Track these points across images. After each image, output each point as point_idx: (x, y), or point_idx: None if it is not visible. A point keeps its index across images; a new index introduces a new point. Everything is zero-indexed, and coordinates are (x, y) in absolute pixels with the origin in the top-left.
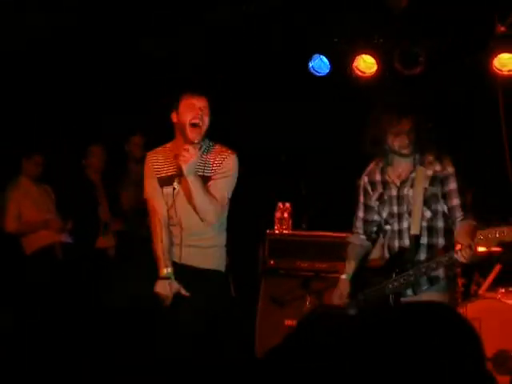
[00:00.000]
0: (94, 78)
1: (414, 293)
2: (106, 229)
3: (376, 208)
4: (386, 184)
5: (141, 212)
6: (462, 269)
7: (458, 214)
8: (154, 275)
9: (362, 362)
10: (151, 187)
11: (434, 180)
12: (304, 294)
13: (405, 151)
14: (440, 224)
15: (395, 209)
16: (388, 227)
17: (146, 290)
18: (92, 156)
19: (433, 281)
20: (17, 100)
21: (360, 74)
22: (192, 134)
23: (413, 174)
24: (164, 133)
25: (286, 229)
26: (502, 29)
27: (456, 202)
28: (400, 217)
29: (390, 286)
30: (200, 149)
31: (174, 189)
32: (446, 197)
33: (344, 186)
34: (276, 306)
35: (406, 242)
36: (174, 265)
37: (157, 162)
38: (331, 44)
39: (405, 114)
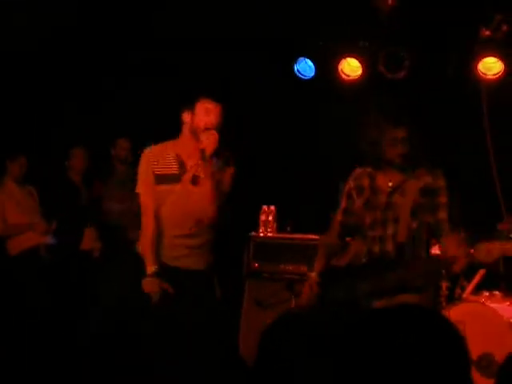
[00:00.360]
0: (78, 80)
1: (388, 295)
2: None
3: (359, 213)
4: (374, 190)
5: (127, 215)
6: (447, 272)
7: (446, 227)
8: (140, 276)
9: (344, 366)
10: (145, 183)
11: (425, 192)
12: (288, 296)
13: (397, 161)
14: (423, 235)
15: (381, 215)
16: (370, 233)
17: (133, 290)
18: (74, 158)
19: (409, 286)
20: (0, 102)
21: (345, 77)
22: (206, 140)
23: (404, 184)
24: (150, 135)
25: (270, 232)
26: (487, 33)
27: (444, 215)
28: (384, 223)
29: (365, 288)
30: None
31: (175, 188)
32: (434, 209)
33: (329, 189)
34: (260, 309)
35: (389, 247)
36: (166, 266)
37: (155, 159)
38: (316, 47)
39: (401, 122)
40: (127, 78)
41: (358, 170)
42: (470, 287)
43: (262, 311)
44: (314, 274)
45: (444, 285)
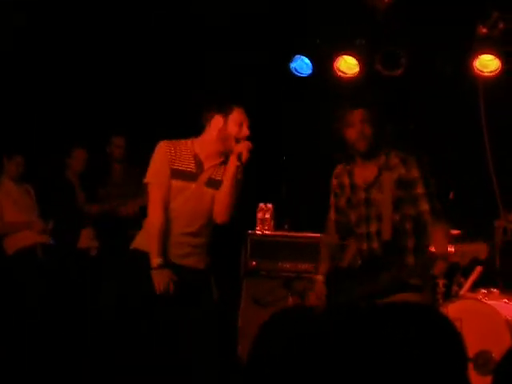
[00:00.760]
0: (76, 78)
1: (386, 295)
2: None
3: (345, 210)
4: (353, 187)
5: (127, 213)
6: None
7: (429, 219)
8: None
9: (343, 363)
10: (159, 174)
11: (400, 184)
12: (286, 294)
13: (361, 145)
14: (408, 226)
15: (364, 212)
16: (357, 230)
17: (131, 289)
18: (74, 158)
19: (405, 285)
20: None
21: (342, 74)
22: (237, 148)
23: (379, 178)
24: (146, 133)
25: (267, 230)
26: (484, 30)
27: (425, 206)
28: (368, 220)
29: (362, 290)
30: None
31: (190, 186)
32: (413, 201)
33: (326, 187)
34: (258, 307)
35: (375, 244)
36: (170, 264)
37: (173, 152)
38: (313, 45)
39: (356, 105)
40: (125, 76)
41: (339, 168)
42: (468, 284)
43: (260, 309)
44: (320, 277)
45: (441, 282)
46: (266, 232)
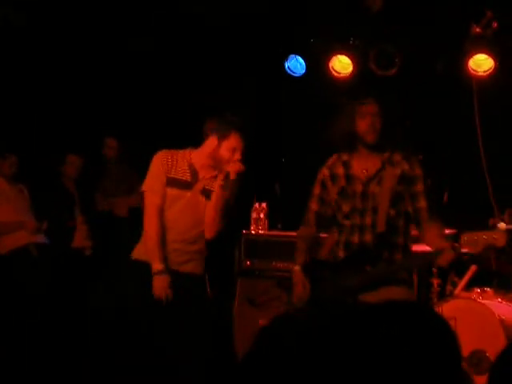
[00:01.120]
0: (70, 79)
1: (373, 289)
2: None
3: (334, 202)
4: (350, 178)
5: (121, 213)
6: (438, 268)
7: (426, 216)
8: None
9: (338, 364)
10: (155, 181)
11: (402, 179)
12: (280, 294)
13: (370, 137)
14: (401, 223)
15: (359, 204)
16: (347, 222)
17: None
18: (68, 164)
19: (392, 279)
20: None
21: (336, 74)
22: (226, 168)
23: (381, 172)
24: (139, 135)
25: (261, 229)
26: (477, 30)
27: (423, 203)
28: (363, 212)
29: (348, 282)
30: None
31: (185, 194)
32: (412, 198)
33: (312, 190)
34: (252, 307)
35: (368, 237)
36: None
37: (169, 162)
38: (307, 44)
39: (371, 97)
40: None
41: (333, 158)
42: (462, 284)
43: (254, 309)
44: (298, 268)
45: (435, 281)
46: (261, 232)
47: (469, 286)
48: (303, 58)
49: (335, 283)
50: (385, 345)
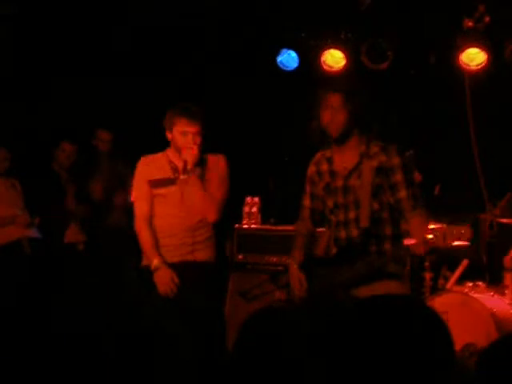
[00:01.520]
0: (61, 70)
1: (365, 283)
2: (75, 219)
3: (321, 197)
4: (333, 174)
5: (111, 206)
6: (430, 263)
7: (407, 206)
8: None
9: (331, 358)
10: (139, 190)
11: (380, 171)
12: (273, 288)
13: (331, 130)
14: (386, 214)
15: (341, 199)
16: (333, 217)
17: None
18: (61, 151)
19: (383, 272)
20: None
21: (328, 68)
22: (188, 158)
23: (359, 166)
24: (132, 127)
25: (254, 223)
26: (470, 23)
27: (403, 193)
28: (346, 207)
29: (340, 278)
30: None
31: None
32: (392, 188)
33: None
34: (245, 301)
35: (354, 232)
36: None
37: (149, 166)
38: (299, 39)
39: (334, 89)
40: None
41: (318, 155)
42: (454, 278)
43: (247, 303)
44: (294, 266)
45: (427, 275)
46: (253, 226)
47: (461, 280)
48: (296, 53)
49: (326, 278)
50: (377, 339)
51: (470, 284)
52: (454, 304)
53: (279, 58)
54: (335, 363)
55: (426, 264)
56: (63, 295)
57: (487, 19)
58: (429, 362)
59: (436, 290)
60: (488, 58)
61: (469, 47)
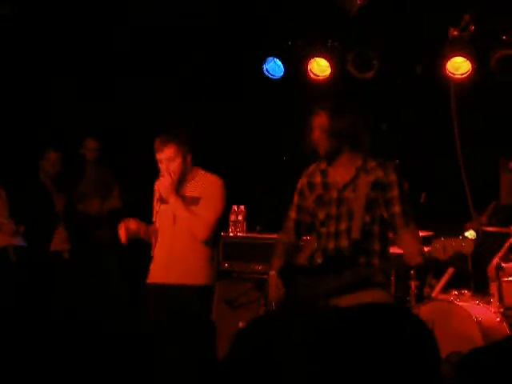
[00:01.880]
0: (48, 80)
1: (349, 292)
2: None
3: (311, 209)
4: (326, 186)
5: (99, 216)
6: (416, 271)
7: (400, 222)
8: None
9: (315, 366)
10: (154, 210)
11: (376, 186)
12: (259, 296)
13: (319, 149)
14: (376, 229)
15: (334, 210)
16: (324, 229)
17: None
18: (47, 160)
19: (368, 282)
20: None
21: (314, 76)
22: (161, 189)
23: (355, 180)
24: (120, 136)
25: (240, 231)
26: (455, 33)
27: (398, 209)
28: (338, 218)
29: (325, 286)
30: (186, 178)
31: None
32: (387, 203)
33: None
34: (230, 309)
35: (344, 243)
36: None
37: (156, 186)
38: (285, 47)
39: (321, 108)
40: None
41: (312, 167)
42: (439, 286)
43: (233, 311)
44: (273, 272)
45: (413, 284)
46: (239, 234)
47: (446, 289)
48: (281, 61)
49: (310, 287)
50: (363, 347)
51: (456, 292)
52: (439, 312)
53: (265, 66)
54: (324, 371)
55: (412, 272)
56: (49, 302)
57: (472, 28)
58: (415, 370)
59: (422, 298)
60: (473, 67)
61: (454, 56)
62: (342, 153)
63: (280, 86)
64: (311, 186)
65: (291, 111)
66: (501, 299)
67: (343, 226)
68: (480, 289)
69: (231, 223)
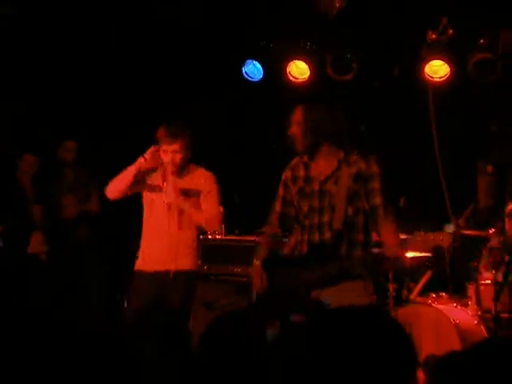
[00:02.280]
0: (30, 82)
1: (330, 283)
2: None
3: (295, 202)
4: (309, 178)
5: (76, 217)
6: (394, 274)
7: (381, 213)
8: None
9: (292, 367)
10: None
11: (358, 178)
12: (238, 299)
13: (297, 144)
14: (360, 220)
15: (316, 203)
16: (307, 221)
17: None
18: (24, 161)
19: (350, 273)
20: None
21: (293, 79)
22: (170, 172)
23: (337, 172)
24: (100, 137)
25: (219, 234)
26: (433, 36)
27: (379, 200)
28: (321, 211)
29: (306, 277)
30: (183, 173)
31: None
32: (368, 195)
33: (277, 191)
34: (209, 311)
35: (327, 235)
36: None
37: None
38: (264, 50)
39: (299, 103)
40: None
41: (295, 160)
42: (417, 289)
43: (211, 313)
44: (257, 262)
45: (391, 286)
46: (218, 237)
47: (424, 291)
48: (261, 64)
49: (293, 277)
50: (340, 350)
51: (434, 295)
52: (417, 315)
53: (244, 69)
54: (298, 371)
55: (390, 275)
56: (25, 304)
57: (451, 32)
58: (392, 373)
59: (400, 301)
60: (451, 70)
61: (433, 59)
62: (320, 146)
63: (259, 88)
64: (294, 178)
65: (271, 114)
66: (478, 302)
67: (326, 218)
68: (458, 291)
69: None
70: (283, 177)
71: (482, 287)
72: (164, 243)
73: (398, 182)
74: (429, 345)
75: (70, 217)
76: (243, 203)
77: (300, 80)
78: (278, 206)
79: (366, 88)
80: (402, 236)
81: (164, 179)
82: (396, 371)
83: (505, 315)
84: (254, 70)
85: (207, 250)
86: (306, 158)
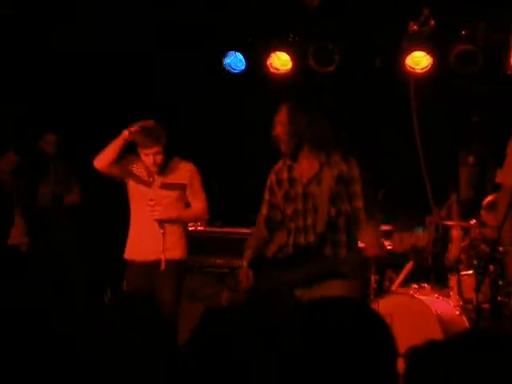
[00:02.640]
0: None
1: (315, 283)
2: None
3: (281, 205)
4: (292, 181)
5: (57, 209)
6: (375, 265)
7: (362, 216)
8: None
9: (273, 360)
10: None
11: (340, 180)
12: (220, 289)
13: (281, 145)
14: (343, 222)
15: (300, 206)
16: (293, 224)
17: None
18: (5, 159)
19: (334, 272)
20: None
21: (274, 71)
22: (154, 171)
23: (320, 174)
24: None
25: (200, 226)
26: (415, 27)
27: (360, 203)
28: (305, 213)
29: (289, 277)
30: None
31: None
32: (350, 198)
33: (258, 183)
34: (193, 301)
35: (311, 237)
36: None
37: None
38: (246, 41)
39: (285, 103)
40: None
41: (279, 164)
42: (399, 280)
43: (195, 303)
44: (245, 263)
45: (373, 278)
46: (199, 228)
47: (406, 282)
48: (243, 55)
49: (278, 278)
50: (320, 341)
51: (415, 286)
52: (398, 306)
53: (226, 61)
54: (281, 364)
55: (372, 267)
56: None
57: (432, 23)
58: (372, 364)
59: (381, 292)
60: (433, 62)
61: (414, 51)
62: (303, 149)
63: (241, 80)
64: (279, 182)
65: (252, 105)
66: (460, 293)
67: (310, 220)
68: (439, 282)
69: None
70: (268, 182)
71: (463, 278)
72: (153, 233)
73: (379, 174)
74: (411, 336)
75: (50, 208)
76: (221, 191)
77: (282, 71)
78: (264, 210)
79: (348, 79)
80: (383, 227)
81: (150, 176)
82: (376, 362)
83: (486, 306)
84: (236, 61)
85: (188, 240)
86: (289, 161)
